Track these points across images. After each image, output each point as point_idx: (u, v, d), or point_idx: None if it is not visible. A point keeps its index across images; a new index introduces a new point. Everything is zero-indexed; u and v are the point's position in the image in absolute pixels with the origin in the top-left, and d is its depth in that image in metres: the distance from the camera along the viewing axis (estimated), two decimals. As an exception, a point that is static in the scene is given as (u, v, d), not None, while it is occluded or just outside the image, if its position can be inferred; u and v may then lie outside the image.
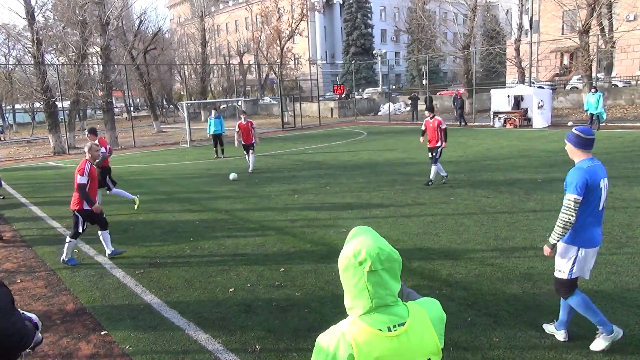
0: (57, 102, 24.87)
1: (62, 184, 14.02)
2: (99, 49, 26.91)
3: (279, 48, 45.20)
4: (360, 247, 1.69)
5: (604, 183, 3.86)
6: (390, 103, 36.33)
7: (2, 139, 34.54)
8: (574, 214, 3.79)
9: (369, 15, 59.01)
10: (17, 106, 48.91)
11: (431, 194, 10.16)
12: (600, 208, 3.90)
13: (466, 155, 15.42)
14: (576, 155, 3.98)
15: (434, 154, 10.86)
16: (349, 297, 1.73)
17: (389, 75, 42.03)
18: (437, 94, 39.94)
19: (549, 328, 4.34)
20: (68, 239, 6.99)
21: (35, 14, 23.55)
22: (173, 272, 6.42)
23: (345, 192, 10.78)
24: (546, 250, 4.06)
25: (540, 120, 22.79)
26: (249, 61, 54.57)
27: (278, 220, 8.75)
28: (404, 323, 1.64)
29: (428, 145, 11.03)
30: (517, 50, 29.83)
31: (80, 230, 6.89)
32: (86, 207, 6.79)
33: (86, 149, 6.98)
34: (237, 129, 14.84)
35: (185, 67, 47.34)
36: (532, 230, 7.35)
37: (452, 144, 18.20)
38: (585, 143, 3.90)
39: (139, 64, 34.82)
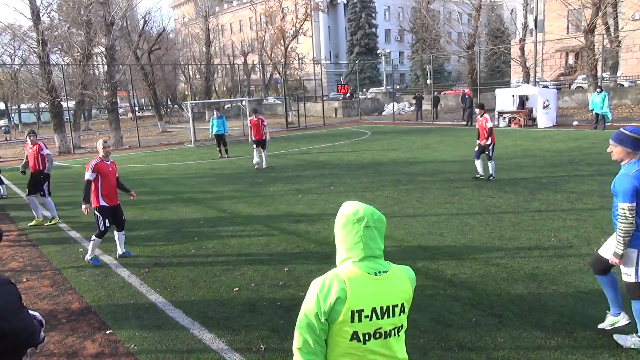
0: (62, 102, 24.98)
1: (67, 184, 14.07)
2: (103, 49, 27.06)
3: (283, 48, 45.24)
4: (358, 208, 2.10)
5: None
6: (395, 103, 36.27)
7: (8, 138, 34.73)
8: (632, 221, 3.76)
9: (373, 15, 58.96)
10: (22, 106, 49.20)
11: (435, 194, 10.14)
12: None
13: (470, 154, 15.33)
14: (627, 157, 3.87)
15: (487, 152, 11.14)
16: (344, 249, 2.11)
17: (393, 75, 42.02)
18: (442, 93, 39.84)
19: (631, 341, 4.08)
20: (93, 237, 6.92)
21: (41, 14, 23.64)
22: (178, 272, 6.43)
23: (349, 192, 10.77)
24: (615, 260, 3.96)
25: (545, 120, 22.70)
26: (253, 61, 54.62)
27: (282, 220, 8.75)
28: (387, 271, 2.07)
29: (478, 142, 11.28)
30: (522, 49, 29.72)
31: (102, 228, 6.77)
32: (103, 203, 6.74)
33: (99, 146, 6.93)
34: (248, 125, 15.46)
35: (190, 67, 47.44)
36: (537, 230, 7.32)
37: (456, 144, 18.16)
38: (638, 144, 3.81)
39: (143, 64, 34.92)
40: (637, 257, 3.86)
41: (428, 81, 38.33)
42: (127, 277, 6.36)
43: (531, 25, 31.14)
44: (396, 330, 2.07)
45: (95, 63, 33.90)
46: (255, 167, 14.72)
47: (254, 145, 14.97)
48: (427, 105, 31.73)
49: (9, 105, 46.24)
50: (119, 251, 7.15)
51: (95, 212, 6.78)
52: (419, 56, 45.04)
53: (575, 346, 4.13)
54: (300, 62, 50.39)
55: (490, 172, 11.24)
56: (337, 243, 2.17)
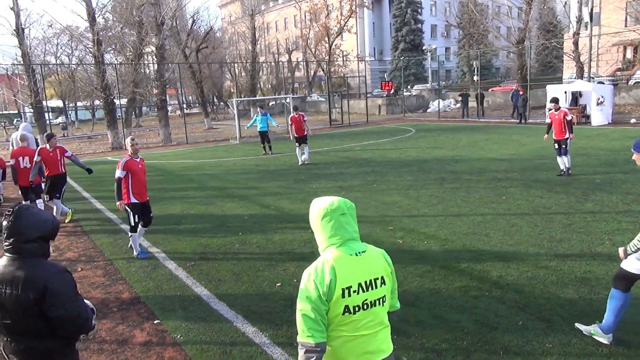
0: (115, 100, 26.00)
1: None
2: (154, 49, 27.93)
3: (327, 45, 45.29)
4: (331, 200, 2.46)
5: None
6: (440, 100, 35.63)
7: (65, 134, 36.50)
8: None
9: (419, 10, 58.00)
10: (79, 104, 51.54)
11: (481, 193, 9.89)
12: None
13: (519, 153, 14.91)
14: None
15: (564, 146, 11.05)
16: (325, 238, 2.41)
17: (438, 71, 41.24)
18: (489, 90, 38.79)
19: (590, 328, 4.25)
20: (130, 234, 7.17)
21: (96, 15, 24.70)
22: (222, 265, 6.58)
23: (392, 190, 10.67)
24: (622, 254, 3.98)
25: (599, 117, 21.71)
26: (297, 58, 54.98)
27: (325, 216, 8.77)
28: (365, 251, 2.41)
29: (554, 138, 11.23)
30: (576, 44, 28.46)
31: (132, 223, 7.01)
32: (134, 199, 6.94)
33: (127, 144, 7.09)
34: (289, 122, 15.48)
35: (236, 65, 48.28)
36: (589, 232, 7.02)
37: (504, 142, 17.65)
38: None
39: (191, 62, 35.83)
40: None
41: (475, 77, 37.38)
42: (174, 269, 6.56)
43: (586, 18, 29.83)
44: (381, 300, 2.41)
45: (146, 62, 35.03)
46: (306, 163, 14.92)
47: (297, 143, 15.12)
48: (473, 102, 30.95)
49: (66, 102, 48.56)
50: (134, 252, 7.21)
51: (127, 207, 6.96)
52: (465, 52, 44.01)
53: (629, 355, 3.94)
54: (344, 59, 50.25)
55: (567, 165, 11.15)
56: (317, 234, 2.47)
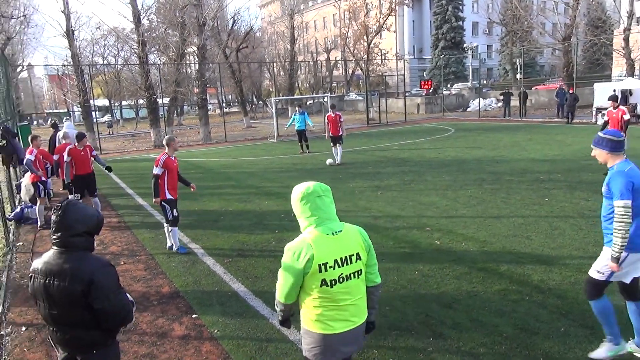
0: (157, 99, 26.74)
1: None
2: (195, 49, 28.54)
3: (365, 44, 45.04)
4: (308, 185, 2.74)
5: None
6: (481, 99, 34.83)
7: (111, 132, 37.81)
8: (629, 220, 3.61)
9: (460, 7, 56.84)
10: (123, 103, 53.25)
11: (523, 194, 9.62)
12: None
13: (563, 153, 14.41)
14: (611, 159, 3.87)
15: None
16: (304, 218, 2.73)
17: (480, 69, 40.27)
18: (533, 88, 37.64)
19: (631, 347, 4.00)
20: (169, 228, 7.33)
21: (141, 17, 25.45)
22: (259, 262, 6.67)
23: (430, 190, 10.53)
24: (614, 267, 3.76)
25: (651, 116, 20.72)
26: (335, 57, 54.96)
27: (361, 216, 8.76)
28: (341, 230, 2.72)
29: None
30: (626, 40, 27.23)
31: (171, 217, 7.20)
32: (169, 196, 7.14)
33: (165, 142, 7.36)
34: (326, 121, 15.67)
35: (274, 64, 48.73)
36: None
37: (548, 142, 17.11)
38: (618, 146, 3.83)
39: (231, 62, 36.41)
40: (624, 259, 3.74)
41: (518, 76, 36.35)
42: (212, 265, 6.70)
43: (638, 13, 28.49)
44: (356, 273, 2.73)
45: (187, 62, 35.86)
46: (336, 164, 14.86)
47: (331, 142, 15.27)
48: (515, 101, 30.11)
49: (112, 101, 50.29)
50: (169, 243, 7.41)
51: (163, 203, 7.16)
52: (508, 49, 42.84)
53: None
54: (383, 57, 49.90)
55: None
56: (298, 216, 2.78)
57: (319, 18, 73.18)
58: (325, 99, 28.31)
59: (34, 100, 64.28)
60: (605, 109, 21.95)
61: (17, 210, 10.07)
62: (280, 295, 2.77)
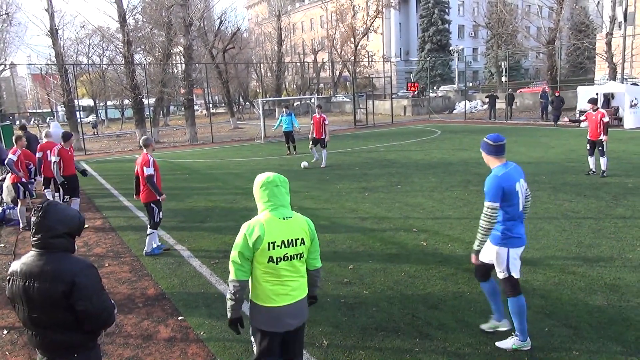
0: (143, 99, 26.51)
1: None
2: (182, 49, 28.34)
3: (353, 45, 45.19)
4: (269, 175, 3.17)
5: (519, 186, 4.04)
6: (467, 101, 35.15)
7: (95, 133, 37.38)
8: (492, 221, 3.94)
9: (447, 10, 57.36)
10: (108, 103, 52.71)
11: (508, 196, 9.71)
12: (521, 209, 4.07)
13: (547, 156, 14.60)
14: (491, 162, 4.18)
15: (600, 147, 11.04)
16: (262, 203, 3.14)
17: (465, 72, 40.63)
18: (518, 91, 38.08)
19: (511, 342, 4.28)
20: (149, 230, 7.26)
21: (127, 16, 25.23)
22: (245, 264, 6.62)
23: (417, 192, 10.59)
24: (473, 258, 4.22)
25: (632, 119, 21.09)
26: (322, 59, 55.03)
27: (348, 217, 8.77)
28: (291, 217, 3.12)
29: (589, 138, 11.28)
30: (609, 44, 27.70)
31: (157, 219, 7.19)
32: (158, 196, 7.10)
33: (144, 143, 7.23)
34: (311, 122, 15.39)
35: (262, 65, 48.63)
36: (620, 238, 6.83)
37: (532, 144, 17.32)
38: (496, 150, 4.11)
39: (218, 62, 36.24)
40: (507, 254, 4.06)
41: (503, 79, 36.74)
42: (198, 267, 6.65)
43: (620, 18, 29.01)
44: (298, 255, 3.12)
45: (174, 62, 35.60)
46: (322, 165, 14.66)
47: (312, 144, 15.11)
48: (501, 104, 30.44)
49: (97, 102, 49.72)
50: (148, 250, 7.28)
51: (152, 204, 7.14)
52: (494, 52, 43.31)
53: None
54: (370, 59, 50.07)
55: (603, 168, 11.06)
56: (257, 201, 3.19)
57: (306, 19, 73.23)
58: (313, 100, 28.33)
59: (16, 100, 63.27)
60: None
61: (-1, 211, 9.90)
62: (232, 272, 3.07)
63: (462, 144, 18.70)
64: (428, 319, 4.79)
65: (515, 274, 4.10)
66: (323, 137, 14.82)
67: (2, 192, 10.30)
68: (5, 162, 9.29)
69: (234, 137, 28.18)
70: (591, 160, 11.36)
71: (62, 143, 8.97)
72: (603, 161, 11.02)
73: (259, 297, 3.14)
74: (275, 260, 3.04)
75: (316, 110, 15.45)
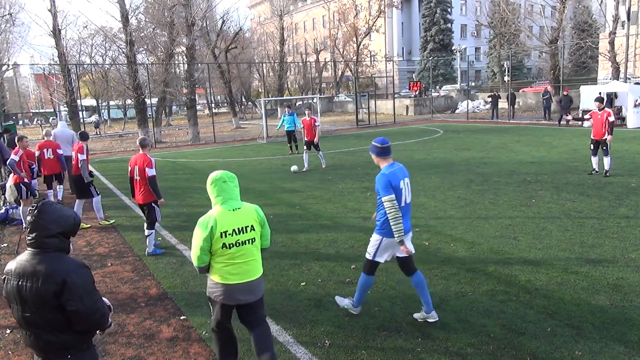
0: (146, 99, 26.56)
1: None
2: (184, 49, 28.42)
3: (355, 45, 45.20)
4: (218, 172, 3.65)
5: (404, 183, 4.66)
6: (469, 100, 35.12)
7: (98, 133, 37.46)
8: (396, 209, 4.41)
9: (449, 10, 57.26)
10: (111, 103, 52.81)
11: (510, 195, 9.71)
12: (403, 204, 4.61)
13: (550, 155, 14.57)
14: (380, 162, 4.73)
15: (604, 147, 11.02)
16: (213, 197, 3.63)
17: (468, 71, 40.54)
18: (520, 90, 38.01)
19: (345, 302, 4.98)
20: (148, 231, 7.25)
21: (129, 16, 25.26)
22: (247, 264, 6.63)
23: (419, 191, 10.57)
24: (403, 249, 4.52)
25: (635, 119, 21.03)
26: (325, 59, 55.04)
27: (350, 217, 8.77)
28: (240, 207, 3.62)
29: (593, 137, 11.27)
30: (612, 43, 27.64)
31: (159, 219, 7.32)
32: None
33: (142, 143, 7.23)
34: (300, 126, 15.11)
35: (264, 65, 48.64)
36: (623, 238, 6.81)
37: (535, 144, 17.29)
38: (383, 152, 4.67)
39: (220, 62, 36.27)
40: (379, 242, 4.63)
41: (506, 78, 36.68)
42: (200, 266, 6.64)
43: (623, 17, 28.92)
44: (250, 241, 3.64)
45: (176, 62, 35.68)
46: (323, 166, 14.44)
47: (305, 147, 14.64)
48: (503, 104, 30.37)
49: (99, 101, 49.82)
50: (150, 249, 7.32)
51: (152, 204, 7.20)
52: (496, 52, 43.26)
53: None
54: (372, 59, 50.05)
55: (606, 167, 11.02)
56: (210, 196, 3.66)
57: (309, 19, 73.25)
58: (315, 100, 28.32)
59: (19, 100, 63.44)
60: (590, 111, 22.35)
61: (2, 211, 9.93)
62: (194, 260, 3.64)
63: (465, 143, 18.67)
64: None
65: (380, 260, 4.71)
66: (315, 139, 14.44)
67: (5, 192, 10.34)
68: (7, 162, 9.34)
69: (237, 136, 28.20)
70: (594, 160, 11.32)
71: (82, 142, 9.13)
72: (607, 161, 10.98)
73: (215, 275, 3.66)
74: (228, 246, 3.55)
75: (306, 113, 14.89)
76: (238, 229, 3.58)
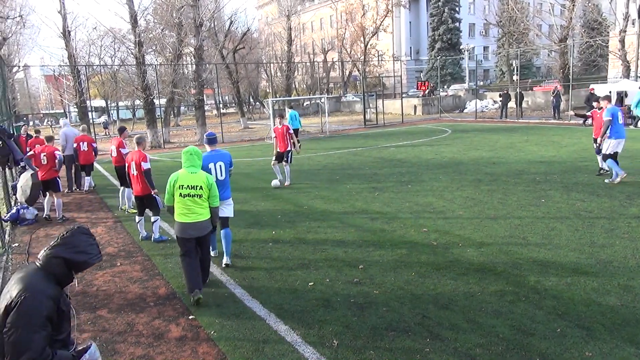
0: (154, 100, 26.72)
1: (157, 176, 14.98)
2: (192, 49, 28.52)
3: (362, 45, 45.15)
4: (189, 147, 5.62)
5: (214, 165, 6.50)
6: (477, 100, 34.95)
7: (107, 133, 37.70)
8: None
9: (457, 9, 57.01)
10: (120, 103, 53.13)
11: (519, 195, 9.65)
12: (216, 180, 6.15)
13: (559, 155, 14.46)
14: (206, 148, 6.69)
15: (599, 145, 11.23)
16: (182, 162, 5.54)
17: (476, 71, 40.35)
18: (529, 90, 37.73)
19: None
20: (154, 217, 8.04)
21: (138, 17, 25.41)
22: (256, 264, 6.66)
23: (427, 191, 10.54)
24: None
25: (647, 118, 20.78)
26: (332, 58, 55.01)
27: (358, 217, 8.76)
28: (196, 172, 5.50)
29: (594, 137, 11.42)
30: (622, 42, 27.36)
31: (162, 207, 7.67)
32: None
33: (138, 141, 8.07)
34: (273, 135, 12.62)
35: (271, 65, 48.72)
36: (634, 238, 6.74)
37: (544, 143, 17.17)
38: (208, 141, 6.75)
39: (228, 63, 36.38)
40: None
41: (514, 77, 36.45)
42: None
43: (634, 15, 28.64)
44: (197, 195, 5.40)
45: (184, 63, 35.81)
46: (285, 184, 12.15)
47: (275, 160, 12.30)
48: (511, 103, 30.18)
49: (108, 102, 50.13)
50: (144, 234, 8.22)
51: (153, 194, 7.98)
52: (505, 51, 43.00)
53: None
54: (380, 59, 49.95)
55: (601, 165, 11.21)
56: (182, 161, 5.55)
57: (316, 19, 73.25)
58: (323, 100, 28.29)
59: (30, 101, 63.99)
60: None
61: (13, 211, 10.03)
62: (165, 200, 5.62)
63: (473, 143, 18.58)
64: (439, 319, 4.77)
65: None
66: (289, 149, 12.17)
67: (16, 192, 10.45)
68: (23, 159, 9.74)
69: (244, 137, 28.27)
70: (600, 159, 11.29)
71: (119, 136, 10.66)
72: (600, 159, 11.12)
73: (176, 216, 5.52)
74: (182, 195, 5.44)
75: (277, 121, 12.57)
76: (190, 185, 5.41)
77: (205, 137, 6.84)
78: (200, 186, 5.37)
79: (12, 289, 2.45)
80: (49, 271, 2.57)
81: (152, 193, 7.93)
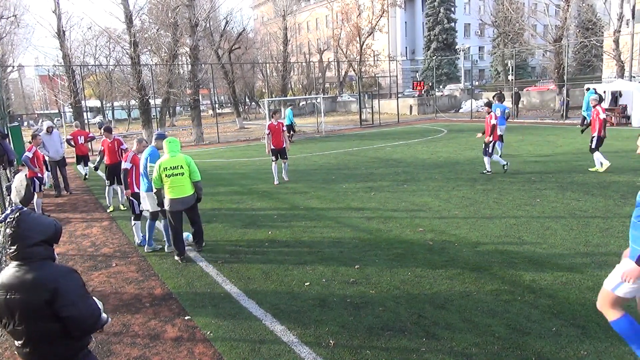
0: (150, 100, 26.63)
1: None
2: (188, 50, 28.42)
3: (358, 45, 45.13)
4: (169, 137, 7.14)
5: (145, 159, 7.36)
6: (473, 100, 35.01)
7: (102, 133, 37.55)
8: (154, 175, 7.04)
9: (452, 9, 57.07)
10: (115, 104, 52.94)
11: (515, 195, 9.68)
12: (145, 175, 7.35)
13: (555, 154, 14.51)
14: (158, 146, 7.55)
15: (487, 148, 11.77)
16: (165, 149, 6.91)
17: (472, 71, 40.46)
18: (524, 90, 37.85)
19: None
20: (134, 222, 7.93)
21: (133, 17, 25.32)
22: (252, 264, 6.65)
23: (423, 191, 10.56)
24: (127, 193, 7.78)
25: (641, 118, 20.91)
26: (328, 58, 54.99)
27: (354, 217, 8.77)
28: (176, 156, 6.83)
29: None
30: (617, 42, 27.49)
31: (137, 211, 7.83)
32: (136, 189, 7.74)
33: (136, 142, 7.98)
34: (267, 131, 12.45)
35: (267, 65, 48.66)
36: (628, 237, 6.76)
37: (539, 143, 17.23)
38: (156, 138, 7.64)
39: (224, 63, 36.30)
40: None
41: (509, 77, 36.56)
42: (204, 266, 6.67)
43: (628, 15, 28.80)
44: (180, 174, 6.76)
45: (180, 63, 35.69)
46: (286, 179, 12.59)
47: (273, 157, 12.34)
48: (506, 103, 30.26)
49: (103, 102, 49.95)
50: (137, 240, 8.01)
51: (131, 197, 7.83)
52: (500, 51, 43.10)
53: (670, 365, 3.78)
54: (376, 58, 49.99)
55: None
56: (164, 148, 6.95)
57: (312, 19, 73.22)
58: (319, 100, 28.31)
59: (24, 101, 63.74)
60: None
61: (7, 211, 9.99)
62: (154, 183, 6.75)
63: (469, 142, 18.63)
64: (435, 318, 4.78)
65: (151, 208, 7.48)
66: (284, 146, 12.36)
67: (10, 192, 10.41)
68: (22, 158, 9.95)
69: (240, 137, 28.24)
70: (486, 160, 11.88)
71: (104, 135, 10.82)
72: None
73: (166, 193, 6.74)
74: (167, 175, 6.66)
75: (271, 117, 12.56)
76: (172, 166, 6.68)
77: (156, 134, 7.92)
78: (181, 165, 6.68)
79: (37, 286, 2.48)
80: (42, 258, 2.59)
81: (126, 192, 7.86)
